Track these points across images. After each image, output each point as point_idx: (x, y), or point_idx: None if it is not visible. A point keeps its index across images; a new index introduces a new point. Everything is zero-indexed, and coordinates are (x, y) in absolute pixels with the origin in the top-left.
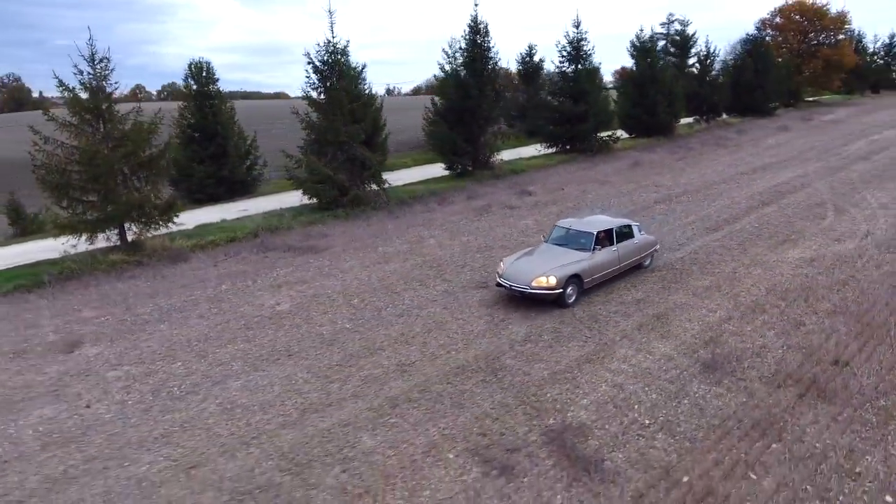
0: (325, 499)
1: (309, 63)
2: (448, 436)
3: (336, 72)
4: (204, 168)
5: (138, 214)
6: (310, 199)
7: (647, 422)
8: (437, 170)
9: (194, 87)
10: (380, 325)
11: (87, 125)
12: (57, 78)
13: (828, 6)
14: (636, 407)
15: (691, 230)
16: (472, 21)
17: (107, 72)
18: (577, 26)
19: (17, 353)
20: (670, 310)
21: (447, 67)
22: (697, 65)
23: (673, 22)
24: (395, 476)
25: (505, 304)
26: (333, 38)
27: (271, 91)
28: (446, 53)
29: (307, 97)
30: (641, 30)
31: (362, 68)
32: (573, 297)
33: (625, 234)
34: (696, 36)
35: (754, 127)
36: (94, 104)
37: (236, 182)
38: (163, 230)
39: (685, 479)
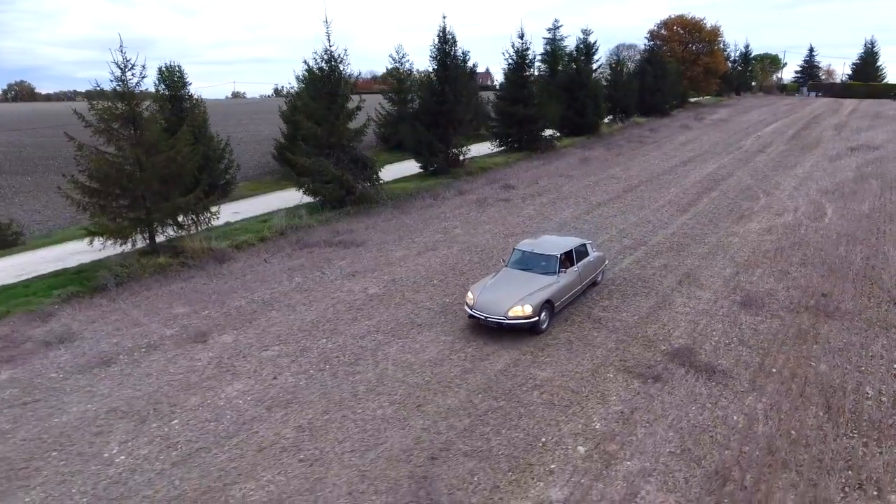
0: (542, 413)
1: (307, 70)
2: (600, 364)
3: (333, 80)
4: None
5: (179, 216)
6: (314, 198)
7: (727, 341)
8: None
9: (166, 91)
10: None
11: (122, 130)
12: (97, 85)
13: (704, 20)
14: (713, 333)
15: (666, 213)
16: (440, 32)
17: (138, 77)
18: (522, 37)
19: (150, 347)
20: (691, 270)
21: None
22: (609, 70)
23: (559, 28)
24: (581, 391)
25: None
26: (331, 45)
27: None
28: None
29: (303, 104)
30: (554, 37)
31: (357, 76)
32: (546, 323)
33: (581, 252)
34: (597, 44)
35: (661, 126)
36: (128, 110)
37: (213, 186)
38: (193, 230)
39: (774, 369)
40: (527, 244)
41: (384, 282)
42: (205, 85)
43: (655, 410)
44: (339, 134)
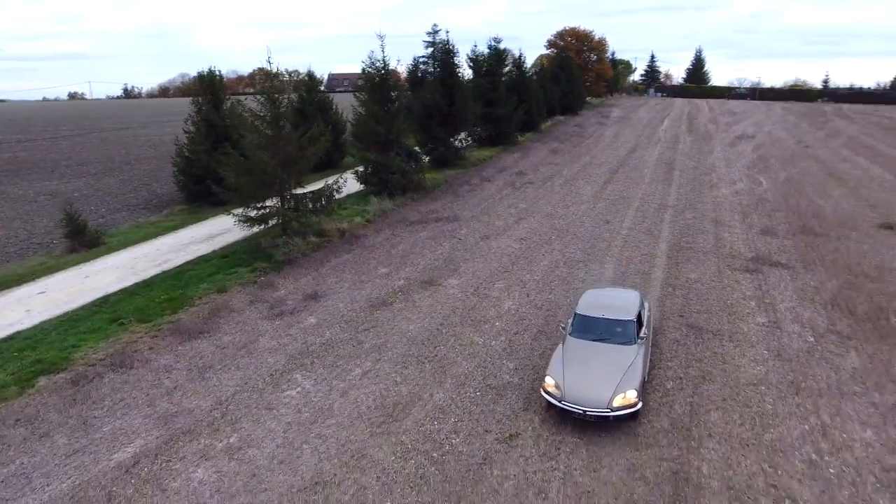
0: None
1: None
2: (720, 268)
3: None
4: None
5: (323, 202)
6: (371, 188)
7: (772, 250)
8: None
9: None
10: (600, 240)
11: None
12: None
13: (593, 32)
14: (761, 247)
15: (659, 188)
16: (443, 43)
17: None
18: (494, 43)
19: (402, 291)
20: (715, 218)
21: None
22: (535, 75)
23: (437, 32)
24: (705, 284)
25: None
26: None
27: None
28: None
29: (367, 104)
30: (434, 40)
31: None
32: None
33: (642, 310)
34: (506, 51)
35: (581, 123)
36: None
37: None
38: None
39: (806, 260)
40: (590, 307)
41: (517, 239)
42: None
43: (771, 281)
44: (396, 131)
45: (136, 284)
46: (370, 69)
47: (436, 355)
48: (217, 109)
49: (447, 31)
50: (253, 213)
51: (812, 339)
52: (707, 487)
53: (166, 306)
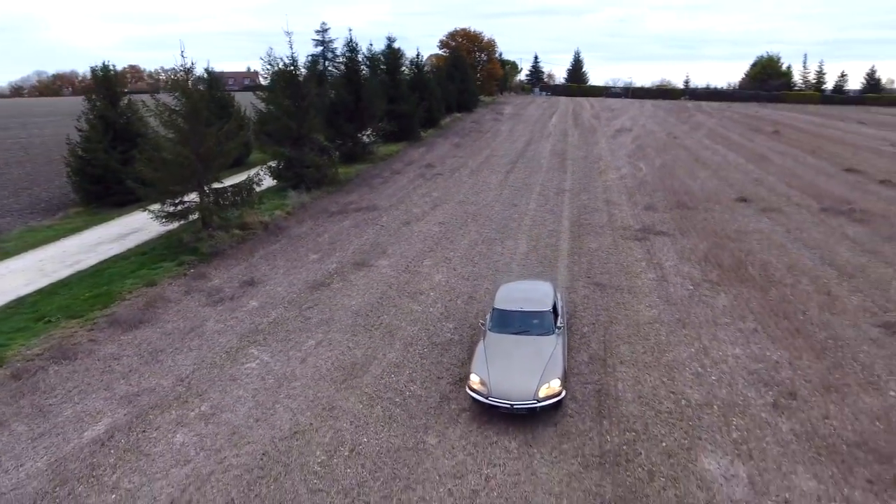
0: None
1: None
2: (617, 238)
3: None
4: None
5: (244, 195)
6: (285, 183)
7: (654, 222)
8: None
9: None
10: (511, 220)
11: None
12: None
13: (482, 34)
14: (648, 221)
15: (555, 175)
16: (348, 41)
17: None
18: (389, 42)
19: (337, 273)
20: (607, 198)
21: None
22: (431, 73)
23: (327, 30)
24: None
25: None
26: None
27: None
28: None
29: (278, 101)
30: (323, 38)
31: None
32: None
33: (556, 299)
34: (401, 50)
35: (479, 119)
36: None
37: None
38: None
39: (683, 229)
40: (507, 301)
41: (436, 224)
42: None
43: (656, 246)
44: (308, 127)
45: (53, 285)
46: (279, 66)
47: (381, 323)
48: (114, 106)
49: (350, 30)
50: (173, 209)
51: (691, 287)
52: (623, 398)
53: (94, 302)
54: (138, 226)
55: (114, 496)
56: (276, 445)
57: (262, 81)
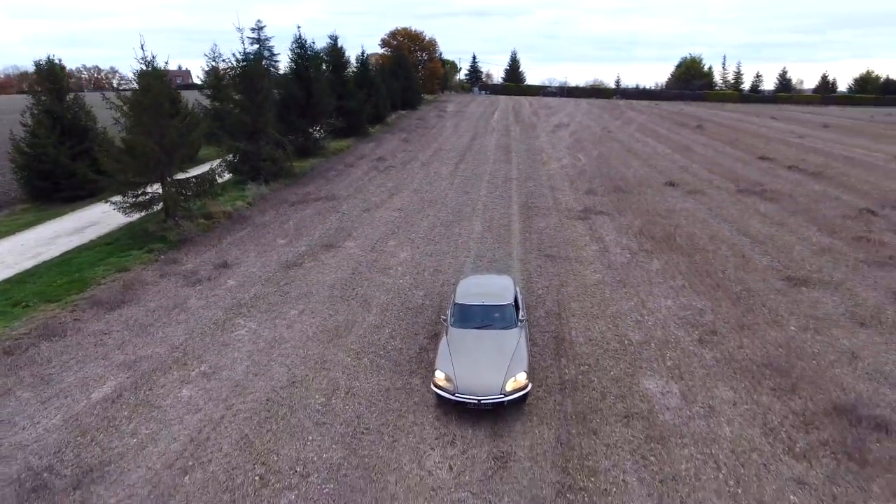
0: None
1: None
2: (564, 218)
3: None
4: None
5: (206, 186)
6: (242, 176)
7: (595, 204)
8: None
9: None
10: (465, 205)
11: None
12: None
13: (423, 33)
14: (589, 203)
15: (501, 167)
16: (297, 38)
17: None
18: (331, 41)
19: (309, 255)
20: (552, 185)
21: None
22: (376, 71)
23: (263, 28)
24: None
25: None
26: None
27: None
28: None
29: (231, 96)
30: (259, 37)
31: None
32: None
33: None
34: (344, 48)
35: (424, 116)
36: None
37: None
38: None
39: (621, 210)
40: (469, 296)
41: (395, 210)
42: None
43: (598, 223)
44: (264, 121)
45: (20, 274)
46: (234, 62)
47: (357, 294)
48: (60, 101)
49: (298, 27)
50: (135, 199)
51: (629, 255)
52: (576, 341)
53: (69, 287)
54: (94, 219)
55: (135, 440)
56: (277, 393)
57: (196, 80)
